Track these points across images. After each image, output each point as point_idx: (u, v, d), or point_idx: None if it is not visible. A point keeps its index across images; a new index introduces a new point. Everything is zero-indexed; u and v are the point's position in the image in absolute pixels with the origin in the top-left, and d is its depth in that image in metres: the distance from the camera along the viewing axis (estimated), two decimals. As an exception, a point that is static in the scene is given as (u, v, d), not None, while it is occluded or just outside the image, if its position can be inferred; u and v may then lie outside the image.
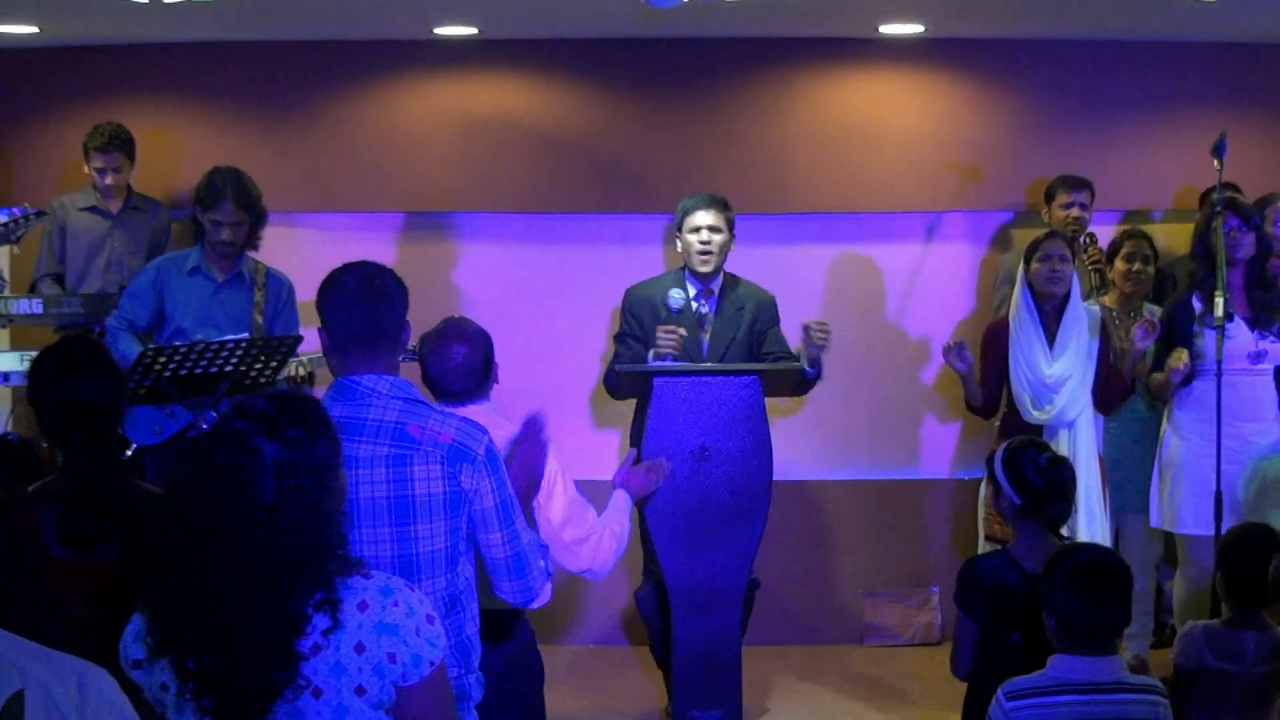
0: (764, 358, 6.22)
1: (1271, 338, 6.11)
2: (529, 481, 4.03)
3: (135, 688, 2.76)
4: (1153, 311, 6.61)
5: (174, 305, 6.12)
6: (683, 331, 6.06)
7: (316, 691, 2.68)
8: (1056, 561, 3.95)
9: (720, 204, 6.31)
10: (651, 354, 6.05)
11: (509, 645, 4.23)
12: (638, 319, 6.31)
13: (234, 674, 2.65)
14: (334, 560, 2.73)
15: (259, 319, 6.15)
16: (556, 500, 4.41)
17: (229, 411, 2.77)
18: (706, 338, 6.24)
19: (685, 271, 6.32)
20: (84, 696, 2.26)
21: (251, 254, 6.32)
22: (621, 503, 4.66)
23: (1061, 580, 3.88)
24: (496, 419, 4.38)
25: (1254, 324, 6.13)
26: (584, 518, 4.46)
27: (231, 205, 6.10)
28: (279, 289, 6.28)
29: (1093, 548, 4.10)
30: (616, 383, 6.14)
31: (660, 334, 6.04)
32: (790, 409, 7.27)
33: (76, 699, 2.20)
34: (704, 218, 6.25)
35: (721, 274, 6.34)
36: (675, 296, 6.15)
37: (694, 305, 6.26)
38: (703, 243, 6.23)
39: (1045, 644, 4.00)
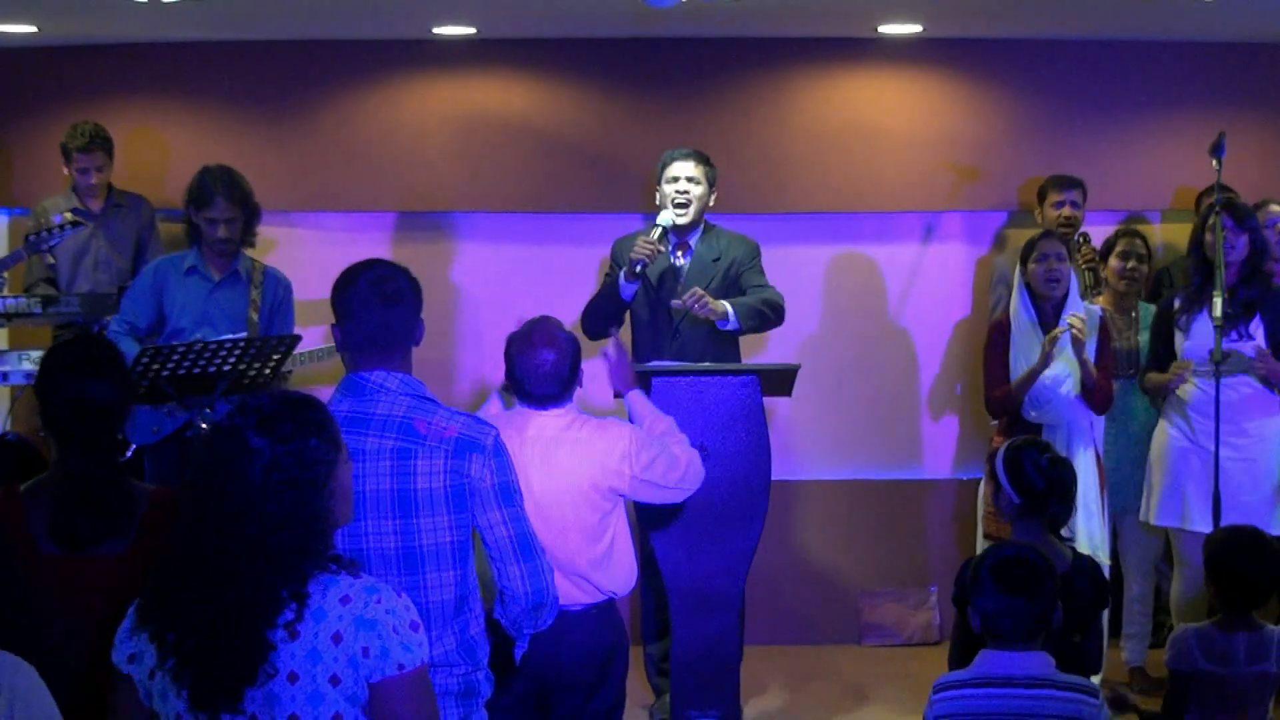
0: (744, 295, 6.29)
1: (1233, 336, 6.10)
2: (625, 377, 4.73)
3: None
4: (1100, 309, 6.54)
5: (172, 305, 6.11)
6: (662, 247, 6.17)
7: (292, 676, 2.72)
8: (980, 561, 3.98)
9: (701, 157, 6.34)
10: (624, 271, 6.20)
11: (607, 633, 4.47)
12: (620, 268, 6.36)
13: (209, 657, 2.71)
14: (313, 556, 2.78)
15: (254, 317, 6.14)
16: (632, 443, 4.49)
17: (231, 410, 2.84)
18: (680, 290, 6.23)
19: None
20: (7, 689, 2.27)
21: (249, 252, 6.31)
22: (640, 404, 4.82)
23: (984, 579, 3.91)
24: (582, 418, 4.40)
25: (1225, 322, 6.12)
26: (652, 444, 4.55)
27: (225, 201, 6.10)
28: (276, 287, 6.27)
29: (1013, 546, 4.10)
30: (587, 315, 6.33)
31: (640, 243, 6.15)
32: (790, 409, 7.25)
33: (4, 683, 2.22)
34: (682, 168, 6.29)
35: (700, 226, 6.37)
36: (664, 217, 6.23)
37: (670, 259, 6.29)
38: (679, 192, 6.25)
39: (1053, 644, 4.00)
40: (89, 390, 3.57)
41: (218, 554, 2.73)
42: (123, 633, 2.86)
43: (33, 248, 6.49)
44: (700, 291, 6.09)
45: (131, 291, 6.22)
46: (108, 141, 7.02)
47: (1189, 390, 6.16)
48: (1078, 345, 6.09)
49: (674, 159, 6.33)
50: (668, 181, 6.32)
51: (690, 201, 6.27)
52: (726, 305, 6.14)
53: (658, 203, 6.37)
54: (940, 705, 3.87)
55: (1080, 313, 6.19)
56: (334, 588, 2.77)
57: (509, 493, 3.55)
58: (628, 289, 6.26)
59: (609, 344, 4.99)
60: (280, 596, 2.73)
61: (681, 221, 6.26)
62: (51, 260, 6.85)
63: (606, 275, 6.50)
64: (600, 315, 6.30)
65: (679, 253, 6.34)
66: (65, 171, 7.04)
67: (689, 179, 6.28)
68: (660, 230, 6.18)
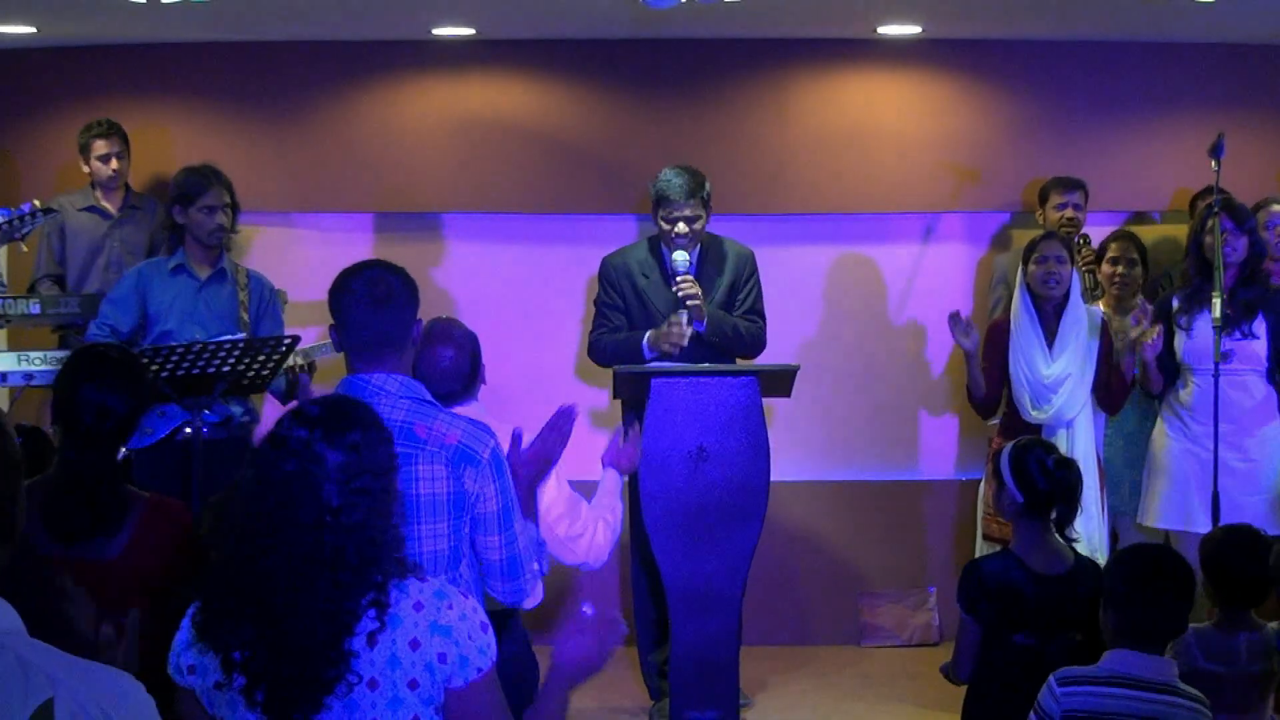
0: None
1: (1237, 335, 6.09)
2: (539, 468, 4.06)
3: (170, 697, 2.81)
4: (1145, 303, 6.56)
5: (159, 307, 6.08)
6: (699, 289, 6.16)
7: (372, 683, 2.72)
8: (1121, 558, 3.98)
9: (694, 185, 6.26)
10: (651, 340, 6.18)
11: (505, 645, 4.20)
12: (617, 290, 6.38)
13: (288, 671, 2.69)
14: (392, 562, 2.78)
15: (245, 317, 6.12)
16: (549, 493, 4.40)
17: (285, 420, 2.80)
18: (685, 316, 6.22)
19: (661, 243, 6.33)
20: (113, 707, 2.24)
21: (228, 254, 6.31)
22: (611, 483, 4.67)
23: (1124, 576, 3.91)
24: (486, 419, 4.36)
25: (1225, 323, 6.11)
26: (577, 511, 4.48)
27: (218, 189, 6.10)
28: (261, 288, 6.27)
29: (1156, 547, 4.12)
30: (602, 355, 6.35)
31: (684, 294, 6.12)
32: (789, 410, 7.24)
33: (106, 709, 2.18)
34: (680, 209, 6.25)
35: (700, 244, 6.36)
36: (680, 260, 6.19)
37: (673, 280, 6.26)
38: (679, 234, 6.23)
39: (1053, 644, 3.99)
40: (107, 400, 3.67)
41: (293, 568, 2.70)
42: (180, 644, 2.84)
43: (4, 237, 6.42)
44: (693, 282, 6.10)
45: (113, 295, 6.17)
46: (125, 135, 7.04)
47: (1191, 391, 6.14)
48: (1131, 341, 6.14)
49: (669, 195, 6.24)
50: (665, 219, 6.27)
51: (689, 238, 6.25)
52: (707, 310, 6.16)
53: (654, 222, 6.34)
54: (1070, 700, 3.79)
55: (1084, 316, 6.19)
56: (405, 593, 2.76)
57: (509, 514, 3.54)
58: (649, 353, 6.25)
59: (630, 430, 4.82)
60: (361, 605, 2.71)
61: (688, 258, 6.23)
62: (25, 250, 6.78)
63: (600, 297, 6.47)
64: (617, 360, 6.22)
65: (683, 276, 6.25)
66: (85, 169, 7.03)
67: (687, 219, 6.24)
68: (684, 272, 6.18)
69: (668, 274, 6.30)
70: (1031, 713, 3.86)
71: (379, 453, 2.80)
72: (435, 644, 2.74)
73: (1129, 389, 6.32)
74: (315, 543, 2.70)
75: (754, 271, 6.43)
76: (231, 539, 2.77)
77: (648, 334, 6.25)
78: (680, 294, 6.14)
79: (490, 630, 2.83)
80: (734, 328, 6.26)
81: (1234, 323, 6.07)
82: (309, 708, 2.71)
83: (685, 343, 6.15)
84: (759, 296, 6.43)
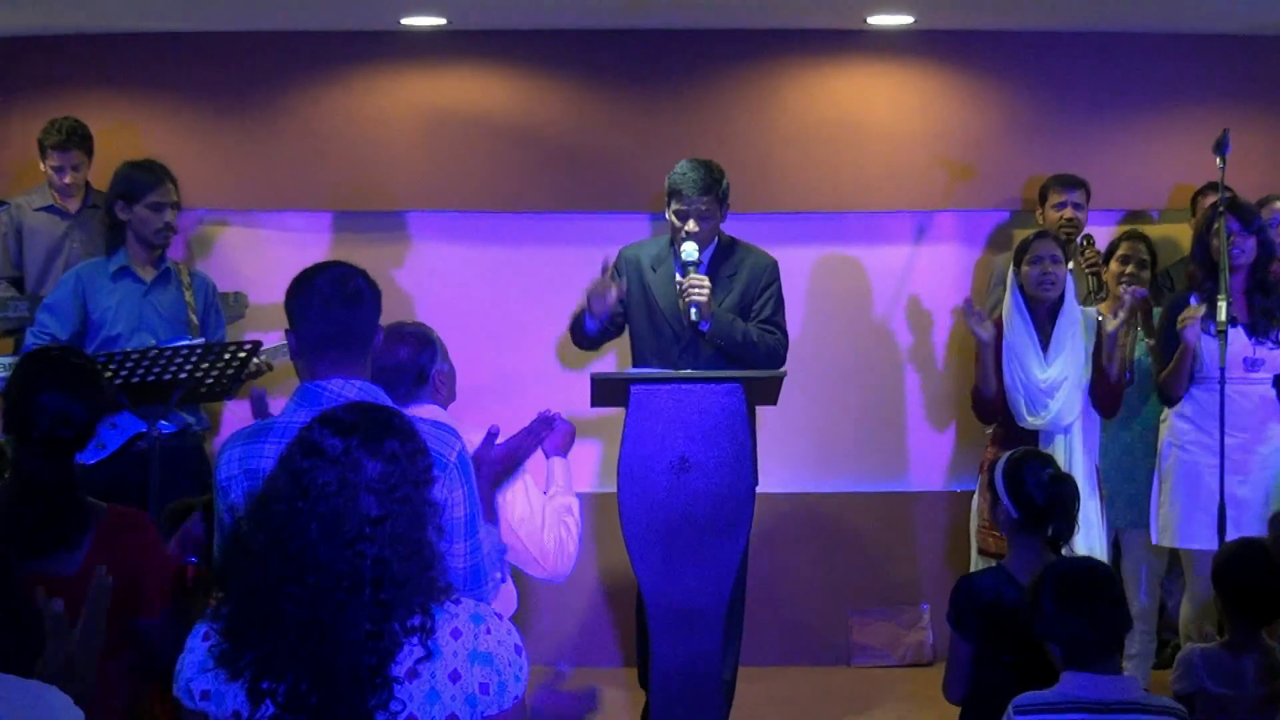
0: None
1: (1269, 344, 6.10)
2: (505, 468, 4.09)
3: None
4: (1130, 291, 6.49)
5: (102, 312, 6.04)
6: (707, 282, 6.06)
7: (411, 719, 2.67)
8: (1040, 581, 3.94)
9: (710, 184, 6.17)
10: (681, 306, 6.10)
11: None
12: (622, 276, 6.31)
13: (328, 699, 2.63)
14: (432, 580, 2.74)
15: (194, 319, 6.10)
16: (520, 505, 4.39)
17: (314, 428, 2.75)
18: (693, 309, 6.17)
19: (672, 242, 6.28)
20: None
21: (173, 256, 6.30)
22: (560, 473, 4.71)
23: (1048, 599, 3.87)
24: (446, 420, 4.35)
25: (1251, 330, 6.12)
26: (543, 519, 4.47)
27: (166, 185, 6.08)
28: (205, 288, 6.27)
29: (1074, 560, 4.09)
30: (572, 332, 6.33)
31: (690, 283, 6.03)
32: (774, 418, 7.21)
33: None
34: (693, 205, 6.17)
35: (716, 241, 6.30)
36: (688, 251, 6.11)
37: (676, 274, 6.21)
38: (689, 231, 6.17)
39: (1038, 664, 3.96)
40: (65, 406, 3.66)
41: (335, 587, 2.64)
42: (190, 668, 2.76)
43: None
44: (701, 280, 6.06)
45: (51, 301, 6.12)
46: (86, 139, 6.94)
47: (1208, 399, 6.10)
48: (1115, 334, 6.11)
49: (680, 189, 6.17)
50: (676, 214, 6.20)
51: (702, 236, 6.16)
52: (713, 308, 6.10)
53: (667, 217, 6.29)
54: None
55: (1078, 318, 6.17)
56: (443, 619, 2.72)
57: (474, 523, 3.53)
58: (591, 324, 6.22)
59: (557, 415, 4.78)
60: (407, 628, 2.67)
61: (696, 250, 6.15)
62: None
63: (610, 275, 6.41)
64: (578, 338, 6.34)
65: (694, 269, 6.18)
66: (42, 167, 6.98)
67: (699, 216, 6.17)
68: (693, 266, 6.11)
69: (678, 268, 6.25)
70: None
71: (418, 463, 2.77)
72: (477, 674, 2.71)
73: (1117, 390, 6.26)
74: (357, 557, 2.65)
75: (774, 280, 6.32)
76: (257, 558, 2.70)
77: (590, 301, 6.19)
78: (683, 286, 6.10)
79: (524, 652, 2.81)
80: (744, 333, 6.16)
81: (1261, 331, 6.08)
82: None
83: (609, 297, 6.10)
84: (779, 308, 6.32)
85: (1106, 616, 3.84)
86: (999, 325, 6.32)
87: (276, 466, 2.75)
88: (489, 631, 2.75)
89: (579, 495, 4.81)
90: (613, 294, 6.12)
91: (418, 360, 4.50)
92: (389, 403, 3.52)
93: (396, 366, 4.43)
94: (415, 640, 2.67)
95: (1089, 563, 4.03)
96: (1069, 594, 3.85)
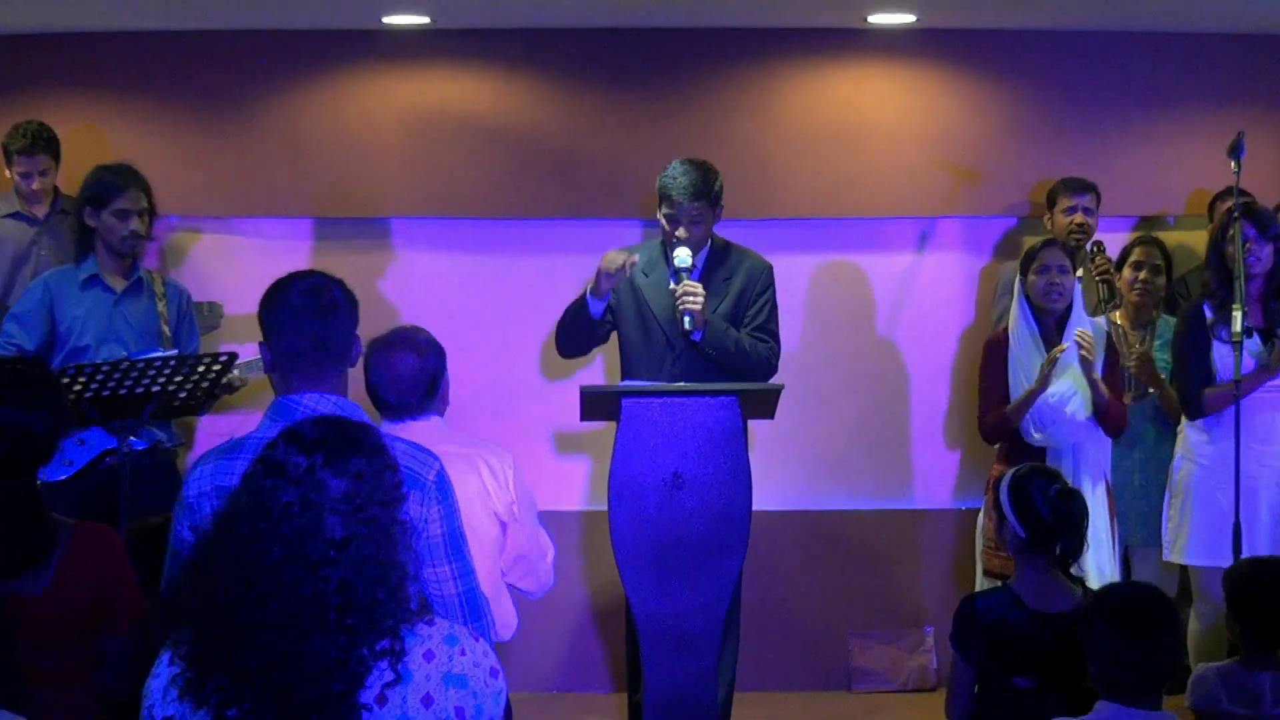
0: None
1: None
2: None
3: None
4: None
5: (70, 322, 6.04)
6: (701, 290, 6.06)
7: None
8: (1094, 603, 3.94)
9: (702, 188, 6.17)
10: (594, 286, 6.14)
11: None
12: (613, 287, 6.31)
13: None
14: (403, 604, 2.72)
15: (166, 330, 6.09)
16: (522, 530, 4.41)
17: (277, 444, 2.75)
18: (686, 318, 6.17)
19: (664, 245, 6.29)
20: None
21: (145, 265, 6.30)
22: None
23: (1099, 622, 3.87)
24: (449, 434, 4.37)
25: (1267, 339, 6.12)
26: (535, 540, 4.50)
27: (135, 191, 6.07)
28: (179, 297, 6.27)
29: (1132, 585, 4.10)
30: (557, 336, 6.32)
31: (683, 290, 6.04)
32: (771, 431, 7.23)
33: None
34: (683, 211, 6.17)
35: (709, 245, 6.30)
36: (681, 257, 6.11)
37: (669, 280, 6.21)
38: (678, 237, 6.18)
39: (1055, 689, 3.97)
40: (27, 421, 3.67)
41: (300, 611, 2.63)
42: (154, 692, 2.75)
43: None
44: (695, 288, 6.06)
45: (18, 310, 6.12)
46: (52, 143, 6.94)
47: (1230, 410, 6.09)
48: (1086, 365, 6.07)
49: (670, 192, 6.18)
50: (666, 218, 6.21)
51: (693, 242, 6.17)
52: (708, 318, 6.11)
53: (659, 219, 6.29)
54: None
55: (1087, 328, 6.17)
56: (415, 641, 2.71)
57: (457, 542, 3.50)
58: (596, 306, 6.22)
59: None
60: (375, 651, 2.66)
61: (690, 257, 6.16)
62: None
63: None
64: (570, 335, 6.29)
65: (685, 274, 6.17)
66: (7, 173, 6.98)
67: (690, 220, 6.17)
68: (687, 272, 6.11)
69: (670, 274, 6.26)
70: None
71: (385, 480, 2.76)
72: (451, 698, 2.71)
73: (1115, 412, 6.26)
74: (321, 581, 2.64)
75: (769, 286, 6.34)
76: (219, 582, 2.69)
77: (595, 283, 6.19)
78: (677, 294, 6.10)
79: (502, 675, 2.80)
80: (737, 342, 6.18)
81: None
82: None
83: (620, 268, 6.08)
84: (772, 314, 6.34)
85: (1159, 648, 3.84)
86: (995, 342, 6.34)
87: (239, 485, 2.74)
88: (464, 653, 2.73)
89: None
90: (627, 267, 6.11)
91: (430, 369, 4.51)
92: (365, 418, 3.53)
93: (412, 376, 4.44)
94: (385, 664, 2.66)
95: (1148, 589, 4.03)
96: (1124, 619, 3.85)
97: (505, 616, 4.61)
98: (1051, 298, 6.16)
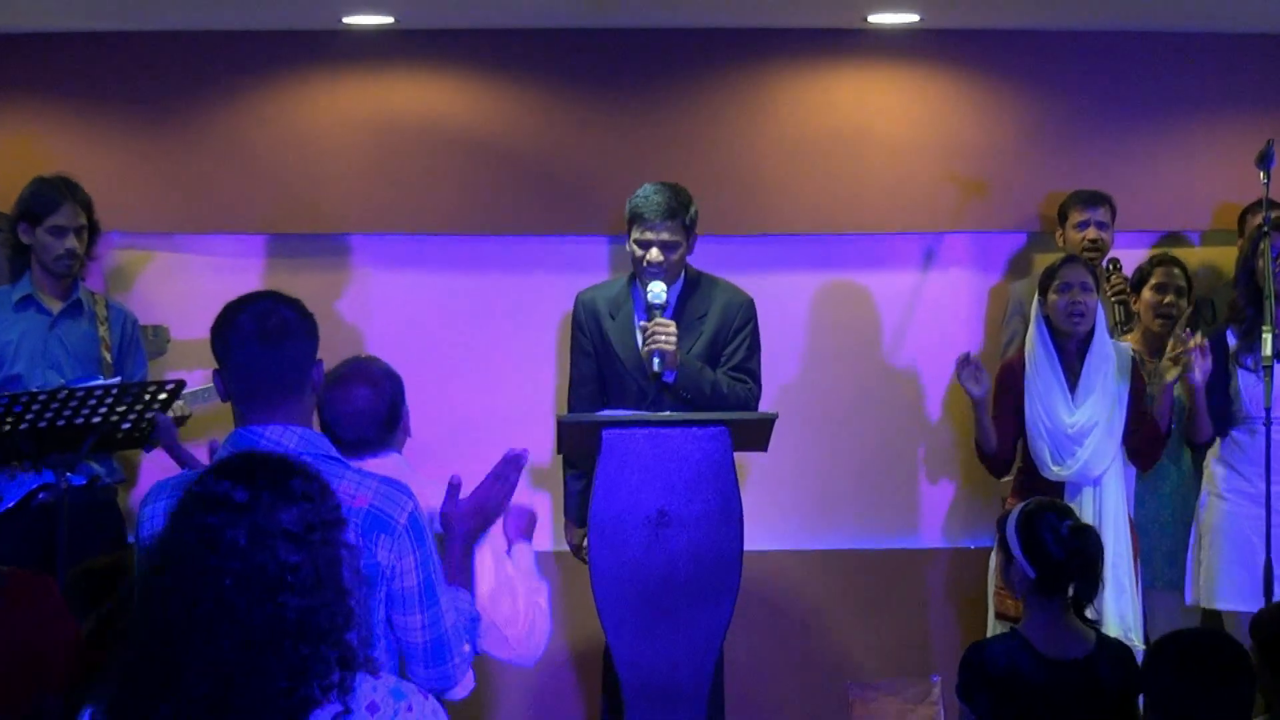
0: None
1: None
2: (479, 523, 4.05)
3: None
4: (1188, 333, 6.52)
5: (3, 346, 6.04)
6: (674, 327, 6.07)
7: None
8: (1162, 647, 3.93)
9: (676, 209, 6.22)
10: (644, 353, 6.11)
11: None
12: (584, 331, 6.40)
13: None
14: (346, 639, 2.72)
15: (108, 357, 6.09)
16: (487, 573, 4.38)
17: (206, 480, 2.75)
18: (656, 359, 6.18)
19: (632, 281, 6.31)
20: None
21: (88, 286, 6.29)
22: (526, 561, 4.65)
23: (1167, 670, 3.86)
24: (410, 473, 4.36)
25: None
26: (514, 593, 4.45)
27: (73, 205, 6.08)
28: (122, 321, 6.26)
29: (1202, 631, 4.08)
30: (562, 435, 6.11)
31: (654, 329, 6.05)
32: (764, 465, 7.24)
33: None
34: (654, 233, 6.21)
35: (683, 277, 6.32)
36: (656, 292, 6.13)
37: (636, 318, 6.22)
38: (651, 262, 6.20)
39: None
40: None
41: (250, 642, 2.63)
42: None
43: None
44: (667, 326, 6.07)
45: None
46: None
47: (1257, 442, 6.11)
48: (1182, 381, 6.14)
49: (643, 213, 6.22)
50: (637, 242, 6.24)
51: (665, 270, 6.21)
52: (681, 359, 6.12)
53: (628, 249, 6.33)
54: None
55: (1111, 352, 6.19)
56: (359, 693, 2.71)
57: (432, 589, 3.51)
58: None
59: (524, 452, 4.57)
60: (322, 686, 2.66)
61: (664, 292, 6.18)
62: None
63: (573, 341, 6.49)
64: (570, 441, 6.16)
65: (655, 311, 6.19)
66: None
67: (663, 245, 6.21)
68: (660, 309, 6.13)
69: (638, 311, 6.27)
70: None
71: (328, 502, 2.78)
72: None
73: (1163, 441, 6.32)
74: (278, 608, 2.65)
75: (749, 322, 6.36)
76: (157, 626, 2.68)
77: None
78: (647, 332, 6.10)
79: None
80: (714, 384, 6.18)
81: None
82: None
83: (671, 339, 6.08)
84: (752, 353, 6.36)
85: (1233, 699, 3.82)
86: (1009, 368, 6.35)
87: (171, 528, 2.73)
88: (410, 709, 2.74)
89: (538, 553, 4.81)
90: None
91: (388, 399, 4.51)
92: (334, 452, 3.53)
93: (368, 409, 4.45)
94: (333, 696, 2.66)
95: (1220, 635, 4.02)
96: (1194, 667, 3.84)
97: (537, 637, 4.58)
98: (1074, 319, 6.14)
